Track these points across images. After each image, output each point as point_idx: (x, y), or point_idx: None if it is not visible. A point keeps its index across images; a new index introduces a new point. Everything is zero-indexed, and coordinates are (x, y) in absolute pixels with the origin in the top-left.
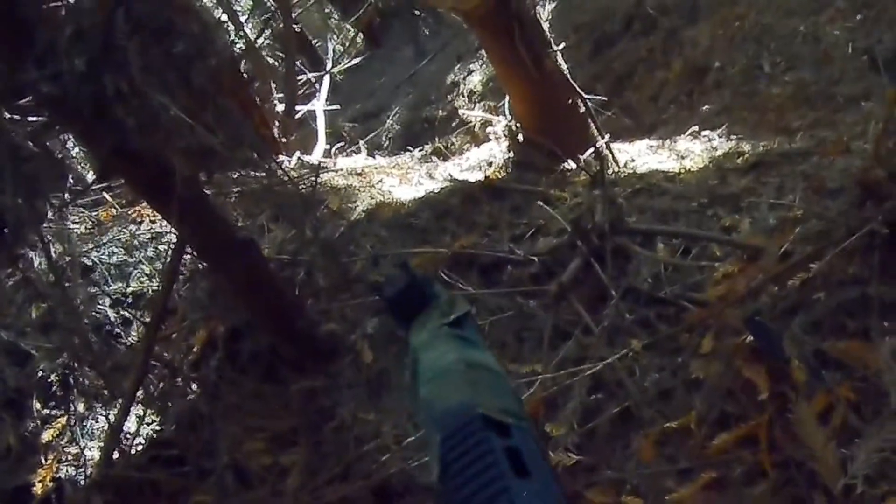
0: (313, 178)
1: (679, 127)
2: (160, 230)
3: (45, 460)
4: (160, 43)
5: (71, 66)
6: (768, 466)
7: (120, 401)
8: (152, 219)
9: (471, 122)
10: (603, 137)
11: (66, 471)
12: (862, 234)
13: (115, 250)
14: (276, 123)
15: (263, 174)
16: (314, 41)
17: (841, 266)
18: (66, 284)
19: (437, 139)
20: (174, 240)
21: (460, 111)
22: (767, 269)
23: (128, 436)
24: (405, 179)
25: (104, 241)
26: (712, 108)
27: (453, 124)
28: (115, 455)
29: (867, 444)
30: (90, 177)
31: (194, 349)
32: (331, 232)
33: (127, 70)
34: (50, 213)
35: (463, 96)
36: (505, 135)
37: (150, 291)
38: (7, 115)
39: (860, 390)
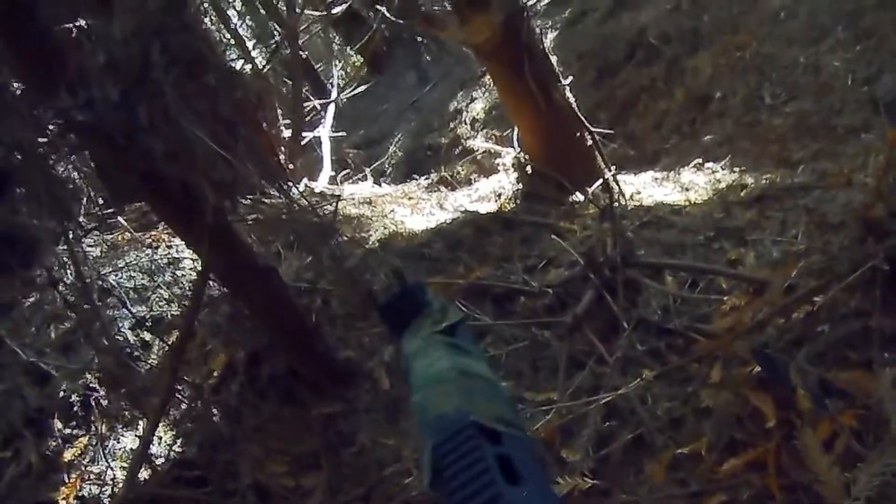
0: (331, 206)
1: (682, 156)
2: (177, 255)
3: (68, 478)
4: (192, 75)
5: (104, 95)
6: (775, 490)
7: (143, 422)
8: (168, 244)
9: (476, 150)
10: (610, 170)
11: (90, 489)
12: (864, 269)
13: (133, 274)
14: (283, 149)
15: (281, 201)
16: (318, 67)
17: (844, 300)
18: (86, 306)
19: (442, 168)
20: (196, 264)
21: (469, 143)
22: (773, 302)
23: (152, 457)
24: (416, 209)
25: (121, 264)
26: (714, 138)
27: (456, 152)
28: (141, 474)
29: (869, 469)
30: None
31: (215, 373)
32: (347, 260)
33: (161, 100)
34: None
35: (465, 124)
36: (514, 166)
37: (168, 315)
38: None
39: (862, 418)
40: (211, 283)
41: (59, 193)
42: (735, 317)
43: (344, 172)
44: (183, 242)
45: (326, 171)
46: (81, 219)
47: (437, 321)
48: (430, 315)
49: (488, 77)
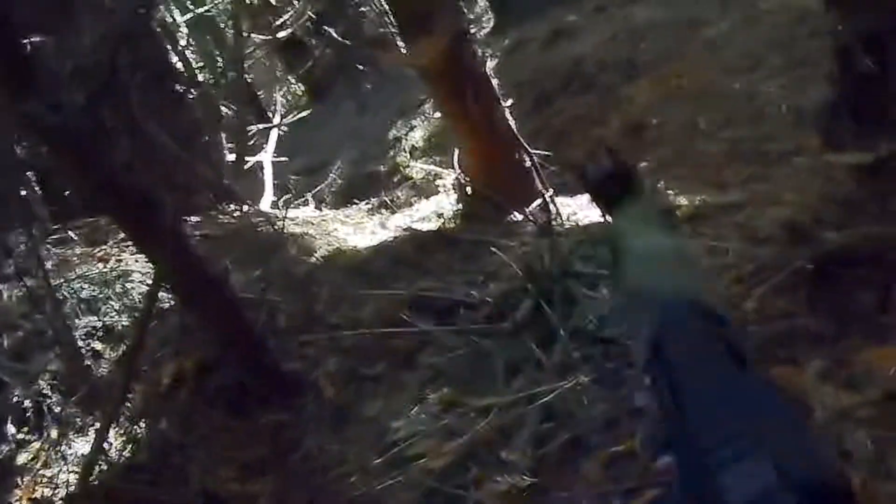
0: (279, 222)
1: None
2: (127, 268)
3: (22, 482)
4: (158, 83)
5: (71, 99)
6: None
7: (94, 428)
8: (118, 258)
9: (415, 176)
10: (548, 191)
11: (42, 492)
12: (790, 271)
13: (84, 286)
14: (225, 172)
15: (229, 219)
16: (259, 93)
17: (772, 302)
18: (38, 315)
19: (382, 192)
20: (146, 277)
21: (409, 164)
22: None
23: (103, 459)
24: (359, 229)
25: (72, 276)
26: (650, 165)
27: (395, 179)
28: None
29: None
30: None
31: (164, 381)
32: (292, 274)
33: (126, 105)
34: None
35: (405, 152)
36: (454, 187)
37: (119, 325)
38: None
39: None
40: (160, 295)
41: (29, 197)
42: None
43: (285, 197)
44: (136, 253)
45: (268, 195)
46: (34, 232)
47: (653, 203)
48: (647, 196)
49: (428, 105)
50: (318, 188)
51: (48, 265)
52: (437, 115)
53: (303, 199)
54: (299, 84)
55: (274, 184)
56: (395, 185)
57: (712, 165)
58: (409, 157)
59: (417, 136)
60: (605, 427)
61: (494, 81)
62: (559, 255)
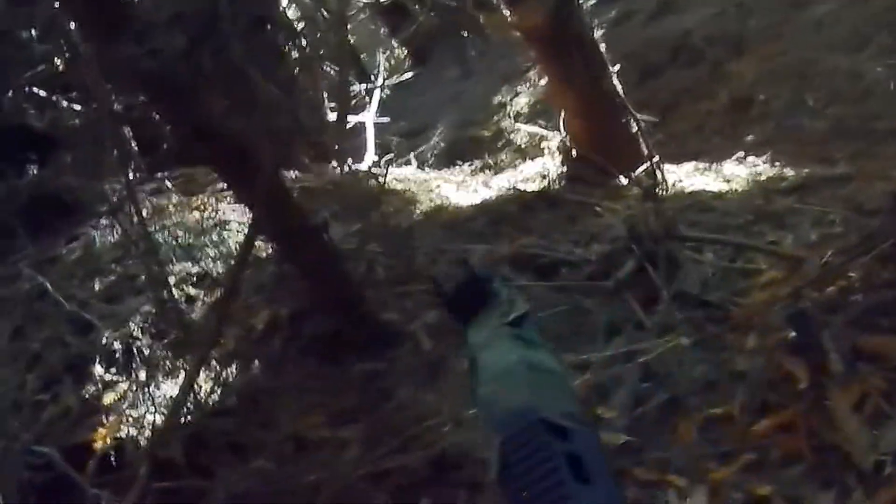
0: (380, 177)
1: (722, 155)
2: (224, 218)
3: (107, 421)
4: (259, 31)
5: (170, 44)
6: (805, 450)
7: (185, 369)
8: (215, 208)
9: (518, 141)
10: (653, 156)
11: (128, 431)
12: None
13: (180, 233)
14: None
15: (328, 172)
16: (362, 55)
17: (877, 271)
18: (129, 262)
19: (486, 155)
20: (243, 226)
21: (514, 127)
22: (809, 276)
23: (190, 404)
24: (462, 187)
25: (168, 224)
26: (755, 139)
27: (499, 144)
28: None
29: None
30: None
31: (257, 328)
32: (392, 228)
33: (226, 52)
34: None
35: (509, 117)
36: (559, 150)
37: (214, 272)
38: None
39: (891, 381)
40: (257, 244)
41: (125, 147)
42: (772, 291)
43: (387, 157)
44: (233, 203)
45: (370, 155)
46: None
47: (505, 312)
48: (498, 306)
49: (533, 72)
50: (421, 149)
51: (143, 213)
52: (543, 80)
53: (405, 160)
54: (402, 48)
55: (376, 143)
56: (498, 150)
57: (817, 142)
58: (513, 122)
59: (522, 102)
60: (704, 389)
61: (602, 47)
62: (664, 218)
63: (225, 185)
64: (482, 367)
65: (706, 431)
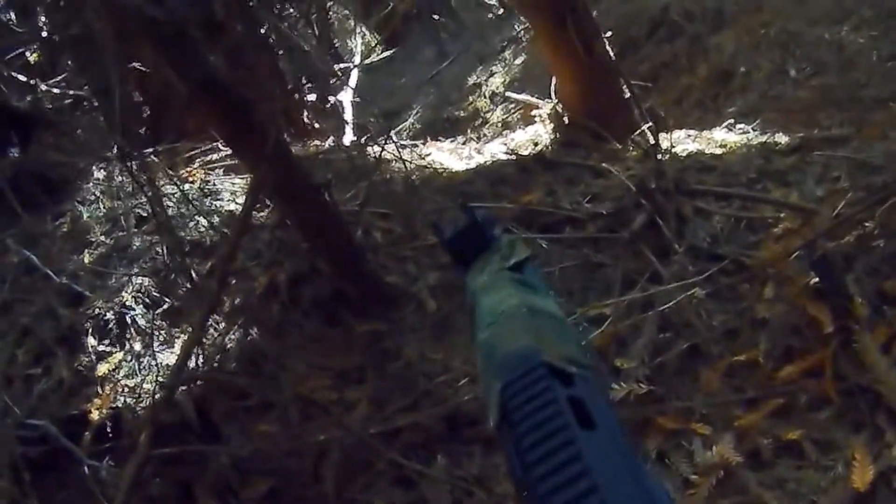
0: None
1: (707, 126)
2: (215, 188)
3: (101, 391)
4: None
5: None
6: (832, 394)
7: (181, 338)
8: (206, 179)
9: (497, 118)
10: (647, 122)
11: (124, 401)
12: None
13: (170, 203)
14: (306, 112)
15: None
16: (335, 42)
17: (895, 218)
18: (121, 233)
19: (468, 131)
20: (238, 192)
21: (506, 93)
22: (823, 226)
23: (193, 373)
24: (455, 154)
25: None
26: (739, 110)
27: (476, 124)
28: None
29: None
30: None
31: (256, 293)
32: (389, 193)
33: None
34: (100, 174)
35: (485, 97)
36: (550, 117)
37: (208, 241)
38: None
39: None
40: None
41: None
42: (786, 241)
43: (366, 137)
44: (224, 174)
45: (349, 134)
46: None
47: (506, 256)
48: (498, 250)
49: (508, 52)
50: (398, 128)
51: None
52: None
53: (384, 140)
54: (375, 33)
55: (354, 124)
56: (474, 129)
57: (804, 110)
58: (489, 102)
59: (497, 82)
60: (726, 337)
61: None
62: (671, 173)
63: (225, 144)
64: (481, 312)
65: (730, 378)
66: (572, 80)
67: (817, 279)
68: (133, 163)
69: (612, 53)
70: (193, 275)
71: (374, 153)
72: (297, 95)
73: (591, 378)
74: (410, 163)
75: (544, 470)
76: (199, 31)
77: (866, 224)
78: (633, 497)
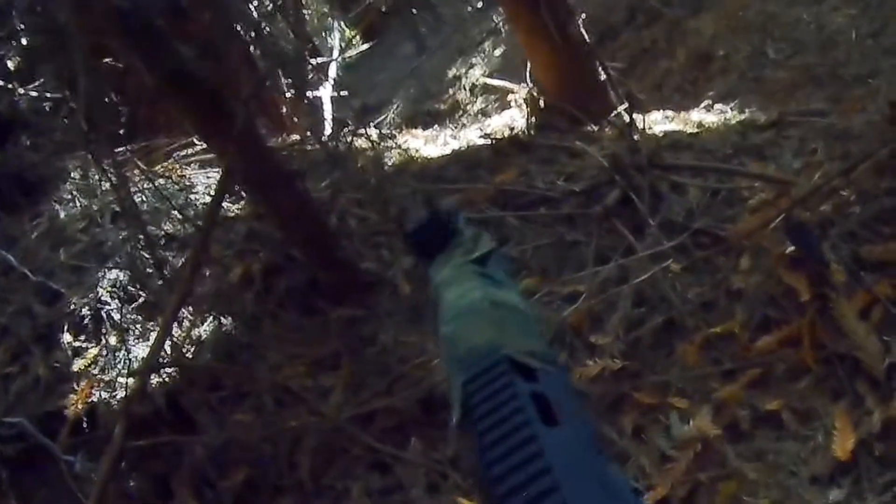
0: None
1: (686, 108)
2: (189, 184)
3: (78, 387)
4: None
5: None
6: (811, 362)
7: (155, 332)
8: (180, 174)
9: (476, 109)
10: (622, 103)
11: (100, 395)
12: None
13: (145, 198)
14: (284, 107)
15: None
16: (314, 39)
17: (873, 182)
18: (97, 230)
19: (447, 121)
20: (210, 189)
21: (482, 79)
22: (800, 196)
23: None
24: (430, 140)
25: (133, 190)
26: (718, 93)
27: (457, 115)
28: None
29: None
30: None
31: (230, 283)
32: (363, 180)
33: None
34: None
35: (465, 90)
36: (526, 101)
37: (182, 233)
38: None
39: None
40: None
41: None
42: (762, 213)
43: (346, 130)
44: (199, 168)
45: (328, 130)
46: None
47: (469, 250)
48: (462, 244)
49: (487, 44)
50: (378, 121)
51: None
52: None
53: (357, 128)
54: (352, 28)
55: (333, 116)
56: (454, 120)
57: (784, 90)
58: (469, 94)
59: (477, 74)
60: (701, 309)
61: None
62: (646, 149)
63: (195, 133)
64: (444, 305)
65: (706, 351)
66: (547, 64)
67: (793, 248)
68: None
69: (586, 36)
70: (167, 268)
71: (349, 142)
72: (268, 83)
73: (557, 372)
74: (379, 145)
75: (505, 467)
76: (166, 21)
77: (843, 192)
78: (595, 496)
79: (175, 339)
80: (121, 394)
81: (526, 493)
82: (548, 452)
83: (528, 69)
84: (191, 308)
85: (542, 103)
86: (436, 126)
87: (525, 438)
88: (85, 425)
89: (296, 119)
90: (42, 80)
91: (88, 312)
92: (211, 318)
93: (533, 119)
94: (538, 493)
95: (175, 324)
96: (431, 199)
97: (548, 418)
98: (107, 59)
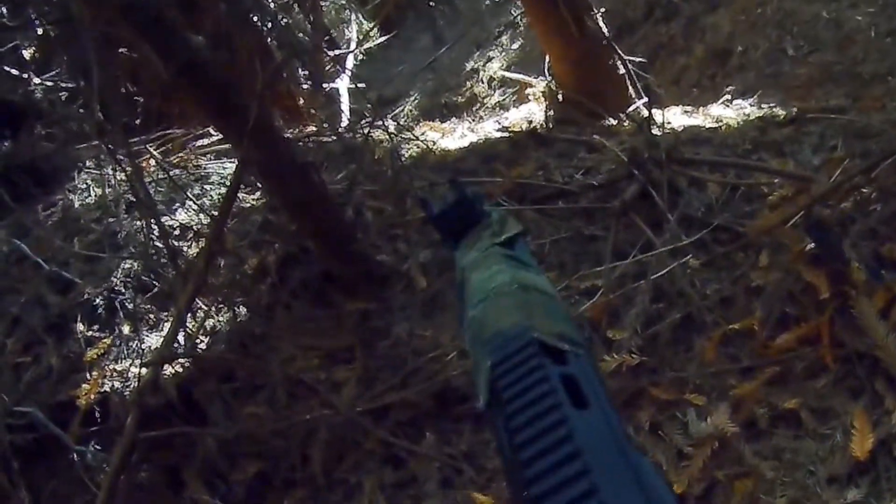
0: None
1: (705, 104)
2: (204, 174)
3: (90, 377)
4: None
5: None
6: (830, 361)
7: (169, 322)
8: (196, 164)
9: (494, 102)
10: (642, 97)
11: (112, 385)
12: None
13: (160, 188)
14: (301, 99)
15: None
16: (332, 32)
17: (894, 179)
18: (111, 219)
19: (465, 114)
20: (226, 179)
21: (500, 72)
22: (820, 193)
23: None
24: (447, 133)
25: (148, 180)
26: (736, 89)
27: (474, 108)
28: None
29: None
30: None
31: (245, 274)
32: (379, 172)
33: None
34: (91, 162)
35: (482, 82)
36: (544, 95)
37: (196, 224)
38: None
39: None
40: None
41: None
42: (782, 209)
43: (363, 122)
44: (214, 159)
45: (345, 121)
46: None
47: (496, 233)
48: (489, 226)
49: (505, 37)
50: (394, 113)
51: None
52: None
53: (374, 119)
54: (370, 21)
55: (350, 109)
56: (471, 114)
57: (802, 87)
58: (486, 87)
59: (495, 67)
60: (720, 305)
61: None
62: (665, 144)
63: (211, 124)
64: (471, 289)
65: (725, 347)
66: (564, 58)
67: (813, 245)
68: (113, 142)
69: (605, 30)
70: (181, 258)
71: (365, 133)
72: (283, 74)
73: (584, 355)
74: (396, 137)
75: (535, 450)
76: (177, 12)
77: (864, 189)
78: (625, 480)
79: (188, 330)
80: (133, 384)
81: (556, 475)
82: (578, 436)
83: (546, 63)
84: (205, 298)
85: (560, 97)
86: (453, 119)
87: (556, 421)
88: (97, 415)
89: (312, 110)
90: (57, 70)
91: (101, 302)
92: (225, 308)
93: (551, 112)
94: (569, 475)
95: (189, 314)
96: (456, 180)
97: (578, 401)
98: (122, 50)
